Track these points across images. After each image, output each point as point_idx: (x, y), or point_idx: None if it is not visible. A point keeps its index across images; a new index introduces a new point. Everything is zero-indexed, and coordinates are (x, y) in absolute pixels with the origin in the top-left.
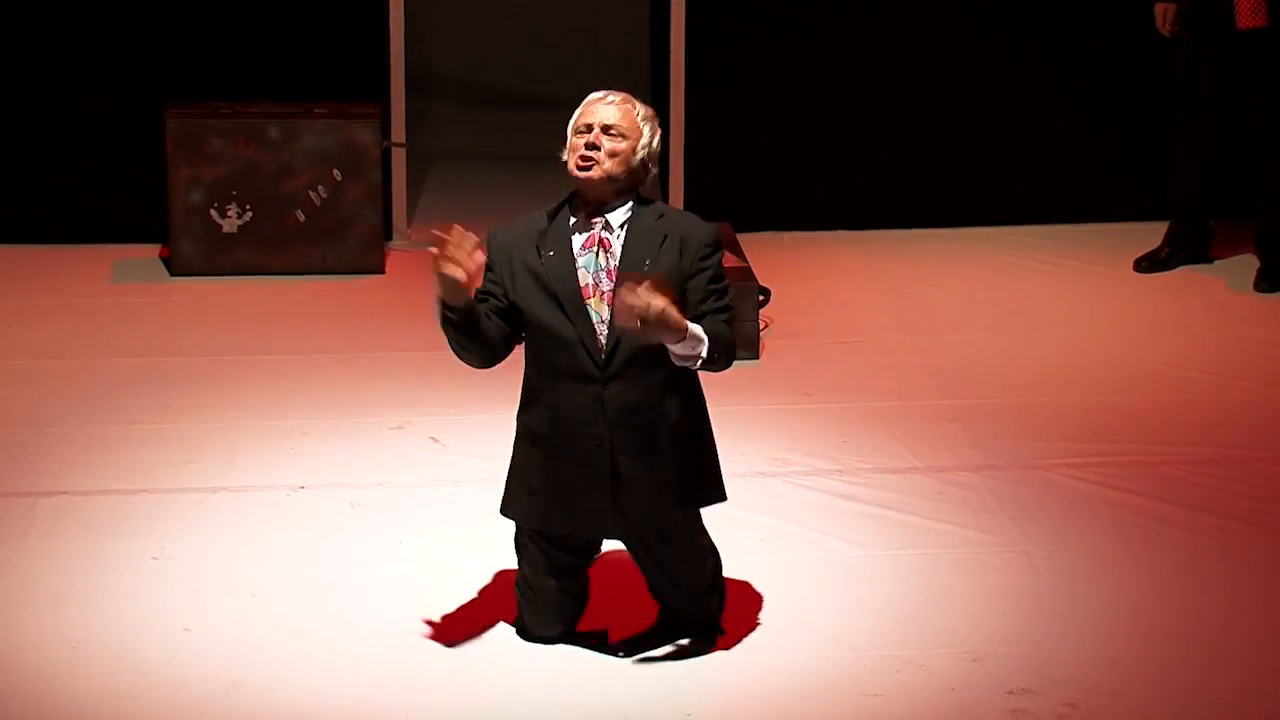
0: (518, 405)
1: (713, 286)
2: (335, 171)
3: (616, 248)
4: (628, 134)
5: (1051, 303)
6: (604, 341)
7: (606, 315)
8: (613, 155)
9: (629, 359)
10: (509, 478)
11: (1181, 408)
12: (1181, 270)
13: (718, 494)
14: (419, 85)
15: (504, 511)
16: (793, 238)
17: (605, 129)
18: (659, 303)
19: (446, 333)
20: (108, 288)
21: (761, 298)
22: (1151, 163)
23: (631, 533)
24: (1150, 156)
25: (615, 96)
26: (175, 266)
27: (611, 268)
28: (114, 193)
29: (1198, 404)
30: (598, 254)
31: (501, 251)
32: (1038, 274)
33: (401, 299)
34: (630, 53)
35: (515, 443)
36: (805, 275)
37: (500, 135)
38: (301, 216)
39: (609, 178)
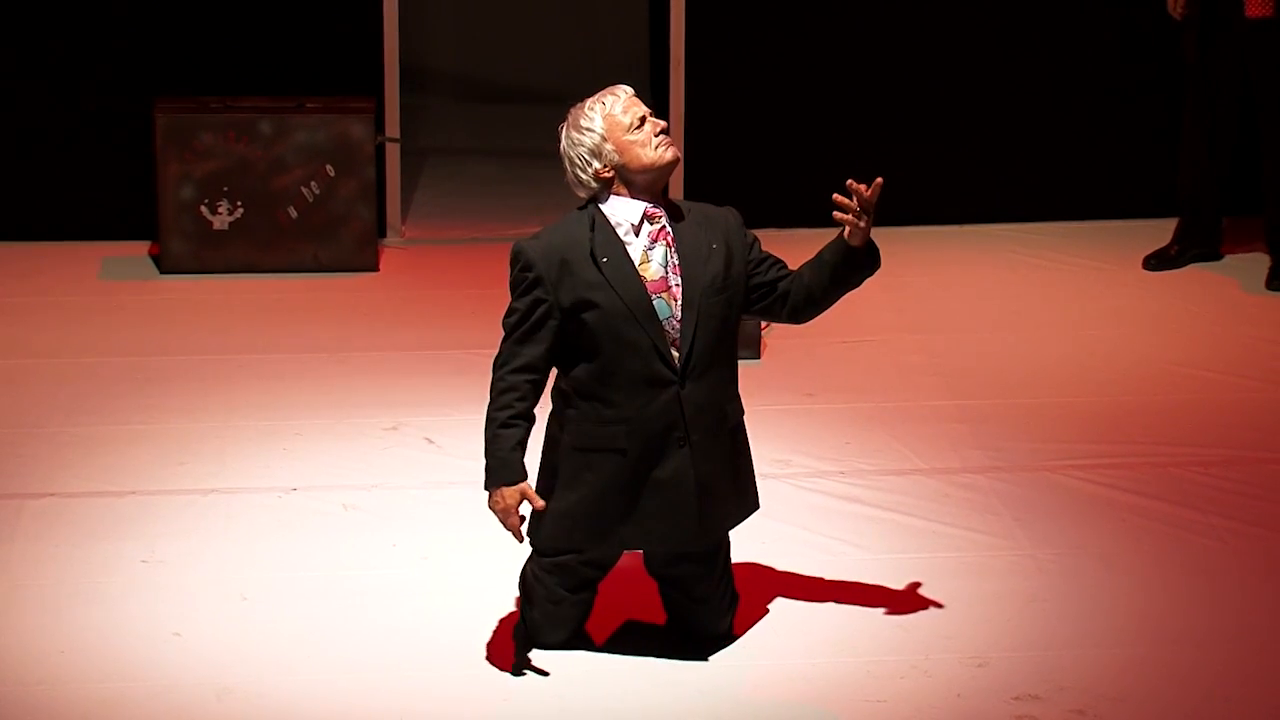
0: (556, 431)
1: (767, 254)
2: (328, 167)
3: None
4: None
5: (1058, 301)
6: (678, 341)
7: (678, 312)
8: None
9: (701, 357)
10: (549, 506)
11: (1191, 408)
12: (1191, 268)
13: (757, 500)
14: (413, 80)
15: (550, 543)
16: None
17: (654, 117)
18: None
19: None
20: (96, 286)
21: None
22: (1160, 158)
23: (708, 542)
24: (1159, 151)
25: (623, 89)
26: (165, 264)
27: (675, 264)
28: (103, 189)
29: (1208, 405)
30: (667, 250)
31: (549, 264)
32: (1044, 272)
33: (395, 297)
34: (628, 47)
35: (555, 468)
36: None
37: (495, 130)
38: (293, 213)
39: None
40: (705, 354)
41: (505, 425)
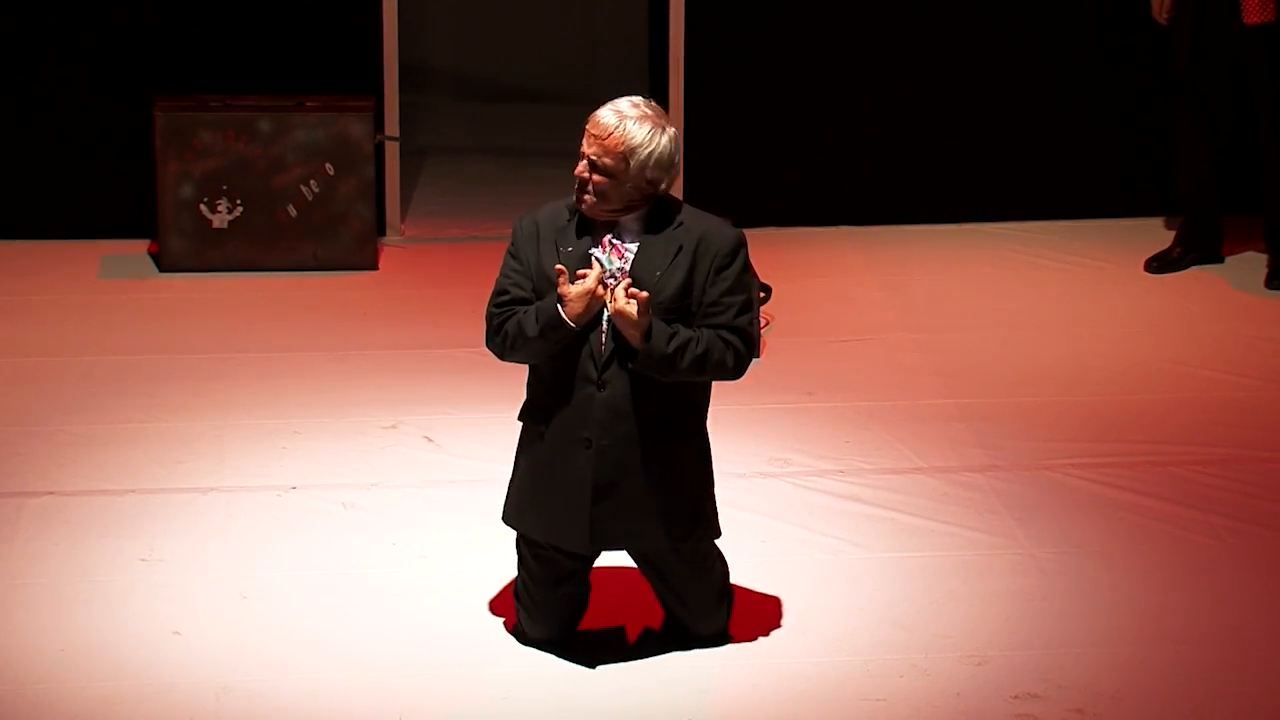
0: (521, 410)
1: (727, 299)
2: (327, 166)
3: (630, 255)
4: (613, 169)
5: (1058, 300)
6: (605, 342)
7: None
8: (600, 190)
9: (625, 365)
10: (510, 482)
11: (1191, 407)
12: (1192, 268)
13: (709, 532)
14: (412, 78)
15: (504, 518)
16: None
17: (591, 165)
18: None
19: (541, 342)
20: (96, 284)
21: (763, 295)
22: (1160, 157)
23: (609, 548)
24: (1159, 151)
25: (608, 119)
26: (164, 262)
27: (623, 272)
28: (102, 187)
29: (1207, 404)
30: (610, 257)
31: (528, 242)
32: (1044, 271)
33: (395, 295)
34: (628, 45)
35: (517, 448)
36: (807, 272)
37: (494, 129)
38: (293, 211)
39: (605, 208)
40: (627, 364)
41: (515, 317)
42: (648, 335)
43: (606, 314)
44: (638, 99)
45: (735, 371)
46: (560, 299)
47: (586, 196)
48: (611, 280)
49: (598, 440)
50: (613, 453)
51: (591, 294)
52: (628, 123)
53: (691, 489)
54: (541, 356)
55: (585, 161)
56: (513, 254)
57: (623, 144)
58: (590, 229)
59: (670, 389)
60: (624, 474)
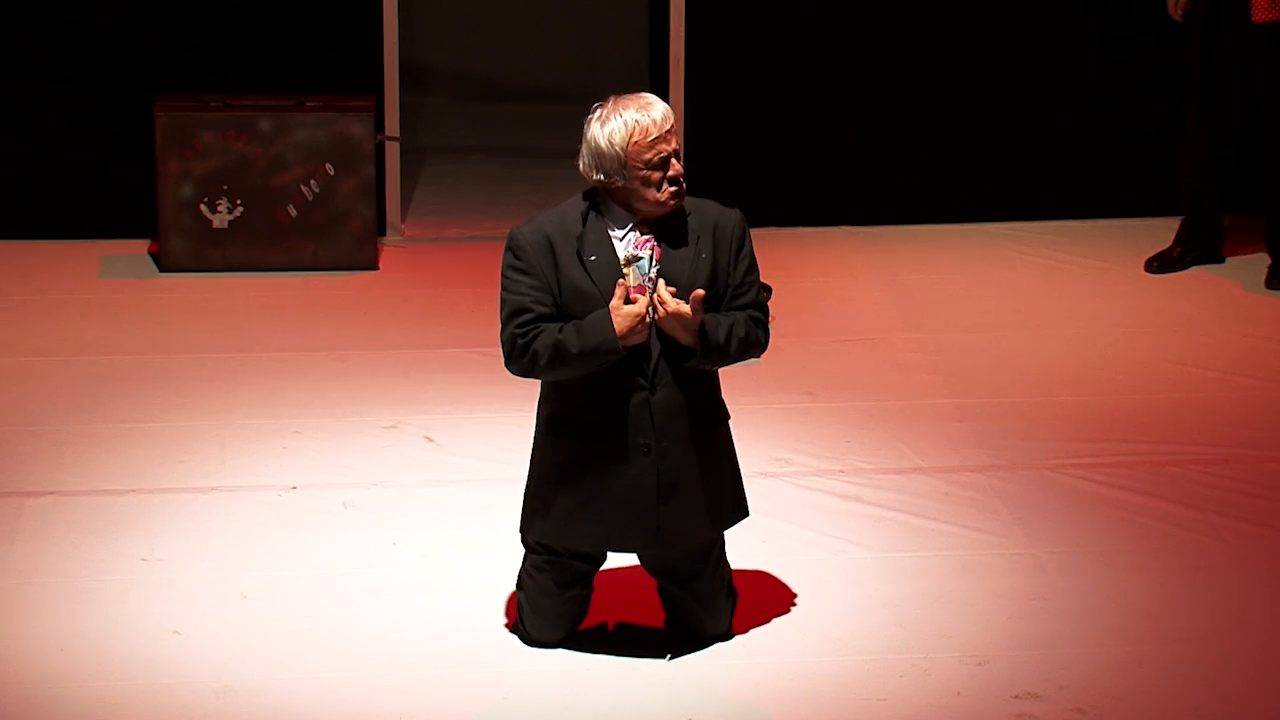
0: (542, 423)
1: (748, 277)
2: (328, 165)
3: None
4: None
5: (1059, 300)
6: (652, 347)
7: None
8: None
9: (674, 365)
10: (532, 497)
11: (1191, 407)
12: (1192, 268)
13: (745, 510)
14: (412, 78)
15: (530, 535)
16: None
17: (677, 155)
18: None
19: (585, 362)
20: (96, 284)
21: (764, 294)
22: (1160, 157)
23: (676, 548)
24: (1159, 150)
25: (662, 112)
26: (164, 262)
27: (653, 275)
28: (102, 187)
29: (1208, 403)
30: (651, 258)
31: (542, 255)
32: (1045, 270)
33: (395, 295)
34: (628, 45)
35: (540, 461)
36: (808, 271)
37: (495, 129)
38: (293, 211)
39: None
40: (678, 363)
41: (546, 334)
42: (701, 331)
43: (652, 318)
44: (598, 113)
45: (764, 346)
46: (632, 316)
47: (682, 195)
48: (648, 284)
49: (657, 444)
50: (673, 453)
51: (641, 317)
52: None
53: (731, 472)
54: (579, 374)
55: (675, 158)
56: (522, 270)
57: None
58: (605, 234)
59: (706, 379)
60: (683, 472)
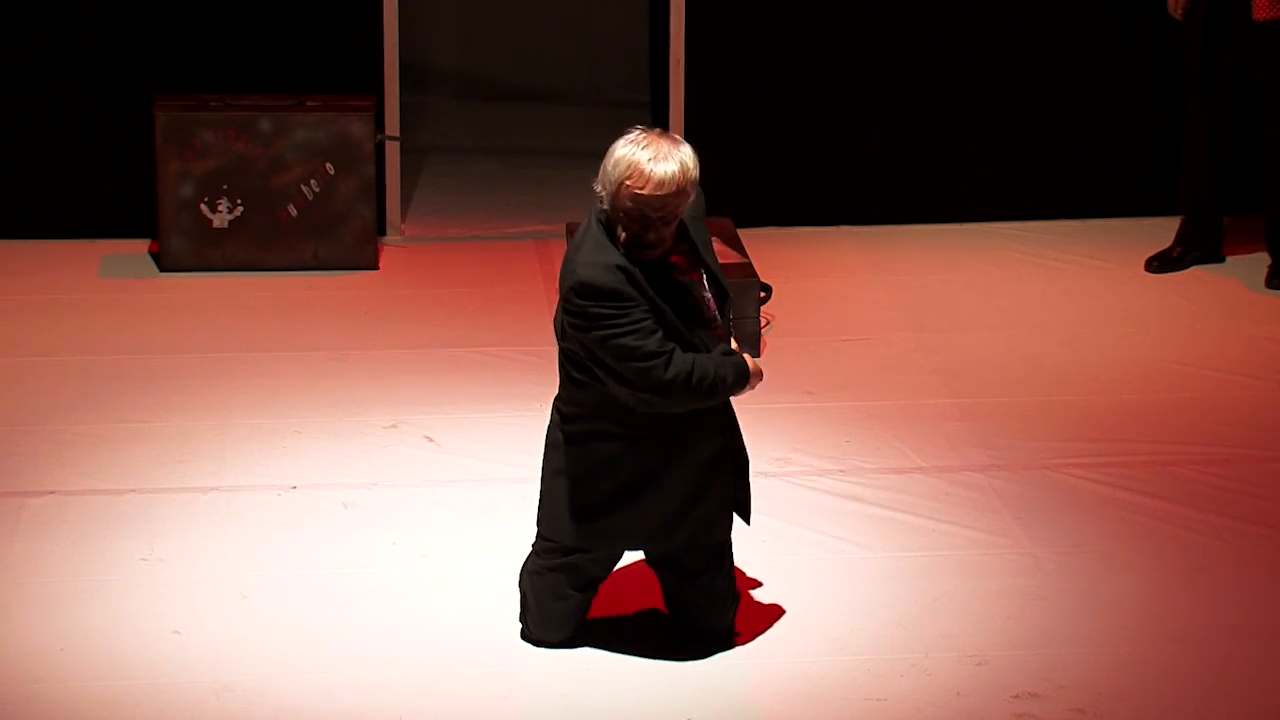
0: (566, 435)
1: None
2: (328, 165)
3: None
4: (676, 212)
5: (1059, 299)
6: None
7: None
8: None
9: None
10: (557, 502)
11: (1192, 407)
12: (1192, 267)
13: (749, 512)
14: (413, 78)
15: (561, 537)
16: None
17: (664, 222)
18: None
19: (729, 392)
20: (96, 283)
21: (763, 294)
22: (1160, 157)
23: (713, 540)
24: (1159, 150)
25: (668, 176)
26: (165, 262)
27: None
28: (102, 187)
29: (1208, 403)
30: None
31: (630, 284)
32: (1045, 270)
33: (395, 295)
34: (628, 45)
35: (568, 468)
36: (807, 271)
37: (495, 129)
38: (293, 211)
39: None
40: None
41: (698, 362)
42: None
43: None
44: (632, 135)
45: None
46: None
47: (658, 246)
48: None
49: (686, 450)
50: (719, 458)
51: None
52: (674, 161)
53: (744, 465)
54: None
55: (660, 224)
56: (628, 305)
57: (679, 179)
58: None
59: None
60: (724, 473)
